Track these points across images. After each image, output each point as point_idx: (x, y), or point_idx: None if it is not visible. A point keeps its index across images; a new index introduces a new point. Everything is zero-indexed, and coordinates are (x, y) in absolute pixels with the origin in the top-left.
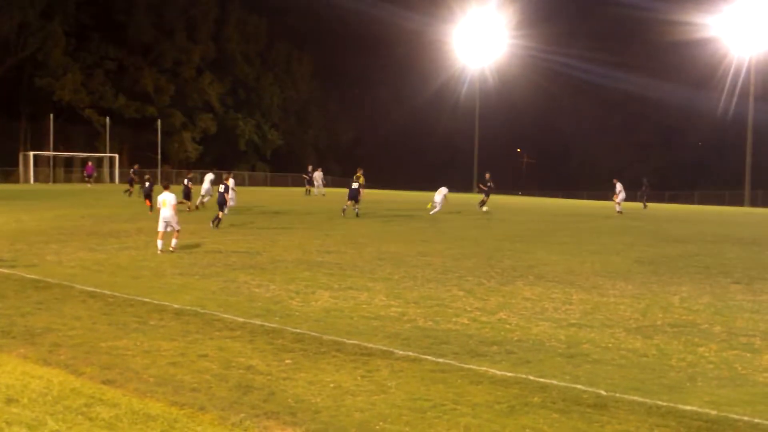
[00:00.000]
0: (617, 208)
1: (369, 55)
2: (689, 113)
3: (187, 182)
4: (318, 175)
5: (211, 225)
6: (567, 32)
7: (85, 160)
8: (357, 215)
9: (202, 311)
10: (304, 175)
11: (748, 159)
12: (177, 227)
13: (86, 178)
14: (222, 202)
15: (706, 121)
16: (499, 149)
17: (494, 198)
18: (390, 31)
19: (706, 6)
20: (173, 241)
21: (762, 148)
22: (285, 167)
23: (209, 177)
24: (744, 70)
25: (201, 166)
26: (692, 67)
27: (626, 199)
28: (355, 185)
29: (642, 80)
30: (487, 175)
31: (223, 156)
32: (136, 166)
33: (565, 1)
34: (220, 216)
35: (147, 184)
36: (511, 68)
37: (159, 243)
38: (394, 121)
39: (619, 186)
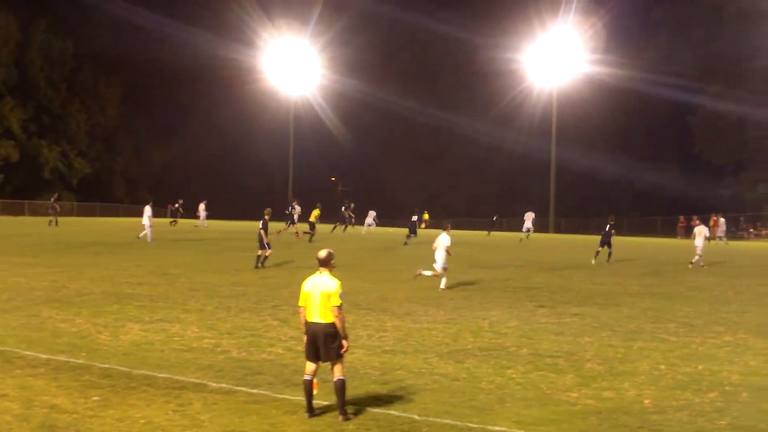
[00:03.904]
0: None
1: (180, 81)
2: (497, 143)
3: None
4: (201, 208)
5: None
6: (380, 65)
7: None
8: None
9: (2, 348)
10: (171, 206)
11: (552, 187)
12: None
13: None
14: None
15: (512, 150)
16: (315, 178)
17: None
18: (201, 57)
19: (512, 40)
20: None
21: (563, 177)
22: (93, 196)
23: None
24: (547, 102)
25: (2, 195)
26: (499, 99)
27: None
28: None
29: (450, 111)
30: (351, 205)
31: (26, 185)
32: None
33: (377, 36)
34: None
35: None
36: (326, 98)
37: None
38: (209, 149)
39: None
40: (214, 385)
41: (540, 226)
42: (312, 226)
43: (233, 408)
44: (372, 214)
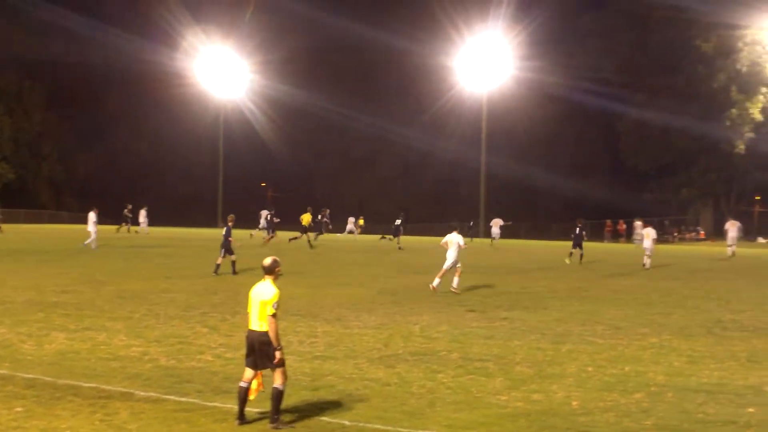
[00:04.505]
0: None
1: (108, 86)
2: (428, 149)
3: None
4: (143, 213)
5: None
6: (311, 69)
7: None
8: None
9: None
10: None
11: (482, 193)
12: None
13: None
14: None
15: (443, 156)
16: (246, 184)
17: (246, 234)
18: (129, 61)
19: (442, 46)
20: None
21: (494, 182)
22: (17, 203)
23: None
24: (477, 108)
25: None
26: (429, 105)
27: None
28: None
29: (382, 116)
30: (327, 211)
31: None
32: None
33: (308, 41)
34: None
35: None
36: (257, 103)
37: None
38: (137, 154)
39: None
40: (141, 393)
41: (472, 231)
42: (304, 230)
43: (161, 417)
44: (351, 220)
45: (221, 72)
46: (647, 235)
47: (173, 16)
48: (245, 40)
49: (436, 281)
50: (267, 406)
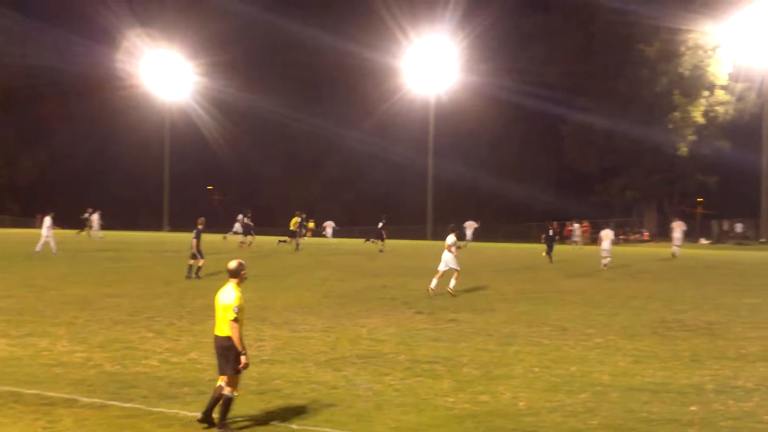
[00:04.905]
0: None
1: (51, 87)
2: (375, 151)
3: None
4: (95, 218)
5: None
6: (257, 71)
7: None
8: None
9: None
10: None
11: (429, 195)
12: None
13: None
14: None
15: (390, 158)
16: (192, 187)
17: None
18: (73, 63)
19: (389, 49)
20: None
21: (440, 184)
22: None
23: None
24: (424, 111)
25: None
26: (376, 107)
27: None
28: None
29: (329, 119)
30: (304, 215)
31: None
32: None
33: (254, 42)
34: None
35: None
36: (202, 105)
37: None
38: (81, 157)
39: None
40: (85, 400)
41: (418, 233)
42: (292, 234)
43: (105, 423)
44: (330, 224)
45: (166, 74)
46: (606, 236)
47: (117, 18)
48: (190, 42)
49: (434, 282)
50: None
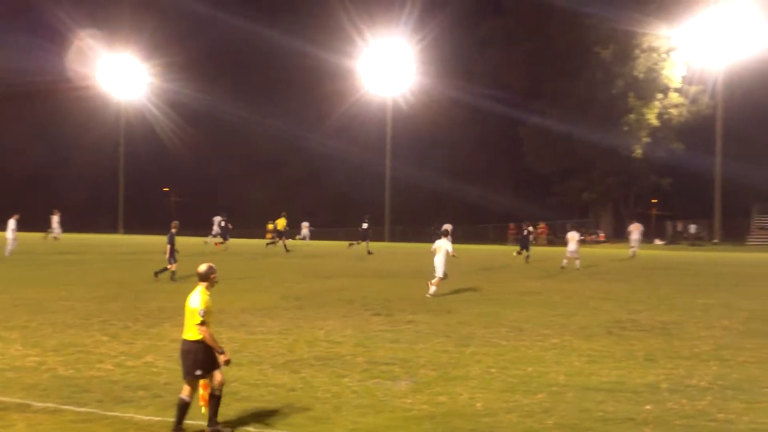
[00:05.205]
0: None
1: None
2: (333, 152)
3: None
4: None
5: None
6: (214, 72)
7: None
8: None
9: None
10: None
11: (387, 197)
12: None
13: None
14: None
15: (348, 160)
16: (148, 188)
17: (147, 240)
18: (23, 62)
19: (348, 51)
20: None
21: (398, 186)
22: None
23: None
24: (381, 113)
25: None
26: (334, 109)
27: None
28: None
29: (288, 120)
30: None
31: None
32: None
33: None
34: None
35: None
36: (158, 106)
37: None
38: (32, 159)
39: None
40: (38, 404)
41: (375, 235)
42: (280, 235)
43: (59, 428)
44: (305, 224)
45: (121, 75)
46: (572, 238)
47: (69, 17)
48: (145, 43)
49: (432, 289)
50: (202, 417)
